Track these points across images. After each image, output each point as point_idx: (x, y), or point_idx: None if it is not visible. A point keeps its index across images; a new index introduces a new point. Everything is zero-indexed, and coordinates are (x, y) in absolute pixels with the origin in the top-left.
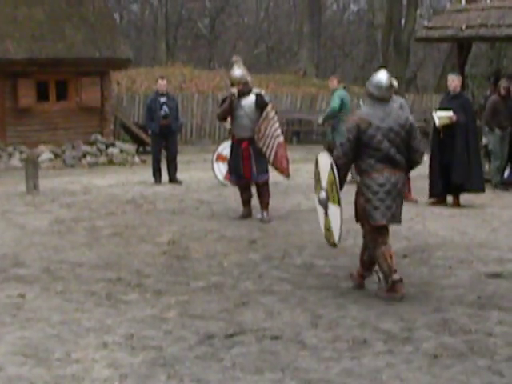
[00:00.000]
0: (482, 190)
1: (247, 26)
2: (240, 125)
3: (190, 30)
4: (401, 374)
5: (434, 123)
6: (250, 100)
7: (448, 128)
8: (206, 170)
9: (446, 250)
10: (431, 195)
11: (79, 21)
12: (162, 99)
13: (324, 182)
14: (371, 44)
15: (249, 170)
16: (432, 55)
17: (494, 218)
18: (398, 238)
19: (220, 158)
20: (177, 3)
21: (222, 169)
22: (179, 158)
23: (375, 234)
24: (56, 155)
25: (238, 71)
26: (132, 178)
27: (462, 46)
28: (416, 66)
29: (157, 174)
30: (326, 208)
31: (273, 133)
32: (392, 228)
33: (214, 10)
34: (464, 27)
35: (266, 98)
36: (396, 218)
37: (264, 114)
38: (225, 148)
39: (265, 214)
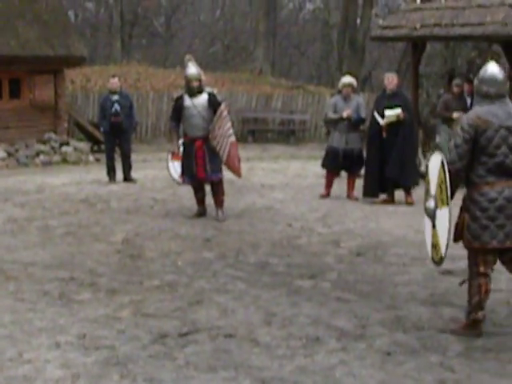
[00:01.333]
0: (416, 184)
1: (203, 24)
2: (193, 124)
3: (145, 28)
4: (354, 370)
5: (376, 122)
6: (202, 99)
7: (392, 126)
8: (161, 169)
9: (400, 247)
10: (365, 194)
11: (32, 18)
12: (114, 97)
13: (433, 188)
14: (327, 43)
15: (203, 169)
16: (387, 54)
17: None
18: (352, 236)
19: (175, 157)
20: (132, 1)
21: (177, 168)
22: (134, 157)
23: (478, 260)
24: (9, 154)
25: (193, 68)
26: (86, 177)
27: (417, 45)
28: (371, 64)
29: (111, 172)
30: (433, 218)
31: (225, 132)
32: (346, 226)
33: (169, 8)
34: (418, 26)
35: (219, 97)
36: None
37: (218, 113)
38: (180, 147)
39: (220, 212)
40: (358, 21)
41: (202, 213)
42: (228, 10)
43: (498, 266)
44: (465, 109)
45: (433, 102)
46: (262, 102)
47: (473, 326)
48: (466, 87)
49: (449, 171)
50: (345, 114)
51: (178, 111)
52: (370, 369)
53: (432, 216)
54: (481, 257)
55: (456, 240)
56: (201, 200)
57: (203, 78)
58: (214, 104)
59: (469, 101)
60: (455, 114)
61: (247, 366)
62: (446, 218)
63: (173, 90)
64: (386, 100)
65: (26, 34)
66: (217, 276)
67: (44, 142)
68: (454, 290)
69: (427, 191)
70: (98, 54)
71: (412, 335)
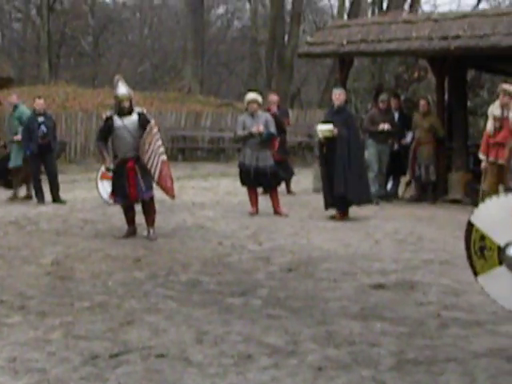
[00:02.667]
0: (370, 202)
1: (131, 43)
2: (124, 144)
3: (73, 48)
4: None
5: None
6: (132, 119)
7: (330, 141)
8: (90, 190)
9: (331, 262)
10: (327, 206)
11: None
12: (40, 119)
13: (508, 233)
14: (255, 60)
15: (135, 189)
16: (315, 70)
17: (377, 230)
18: (282, 252)
19: (105, 176)
20: (60, 21)
21: (106, 187)
22: (63, 178)
23: None
24: None
25: (124, 88)
26: (15, 199)
27: (344, 61)
28: (300, 81)
29: (39, 193)
30: None
31: (156, 150)
32: (277, 243)
33: (97, 27)
34: (345, 42)
35: (148, 117)
36: None
37: (148, 128)
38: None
39: (151, 231)
40: (286, 38)
41: (132, 232)
42: (156, 29)
43: (429, 278)
44: (392, 123)
45: (361, 118)
46: (191, 120)
47: None
48: (394, 102)
49: None
50: (255, 130)
51: (106, 132)
52: None
53: None
54: None
55: None
56: (131, 219)
57: (132, 97)
58: (144, 124)
59: (396, 115)
60: (381, 126)
61: None
62: None
63: (102, 109)
64: (331, 115)
65: None
66: (148, 296)
67: None
68: (384, 304)
69: (489, 250)
70: (25, 75)
71: (343, 350)
